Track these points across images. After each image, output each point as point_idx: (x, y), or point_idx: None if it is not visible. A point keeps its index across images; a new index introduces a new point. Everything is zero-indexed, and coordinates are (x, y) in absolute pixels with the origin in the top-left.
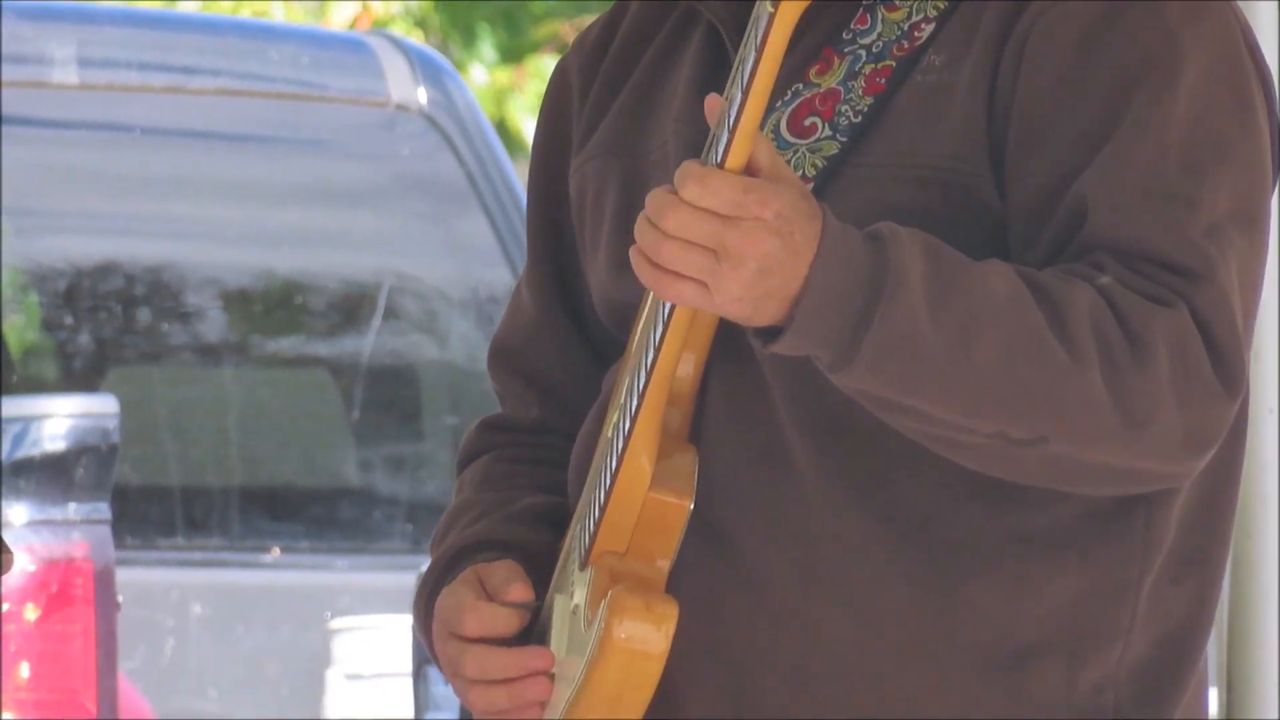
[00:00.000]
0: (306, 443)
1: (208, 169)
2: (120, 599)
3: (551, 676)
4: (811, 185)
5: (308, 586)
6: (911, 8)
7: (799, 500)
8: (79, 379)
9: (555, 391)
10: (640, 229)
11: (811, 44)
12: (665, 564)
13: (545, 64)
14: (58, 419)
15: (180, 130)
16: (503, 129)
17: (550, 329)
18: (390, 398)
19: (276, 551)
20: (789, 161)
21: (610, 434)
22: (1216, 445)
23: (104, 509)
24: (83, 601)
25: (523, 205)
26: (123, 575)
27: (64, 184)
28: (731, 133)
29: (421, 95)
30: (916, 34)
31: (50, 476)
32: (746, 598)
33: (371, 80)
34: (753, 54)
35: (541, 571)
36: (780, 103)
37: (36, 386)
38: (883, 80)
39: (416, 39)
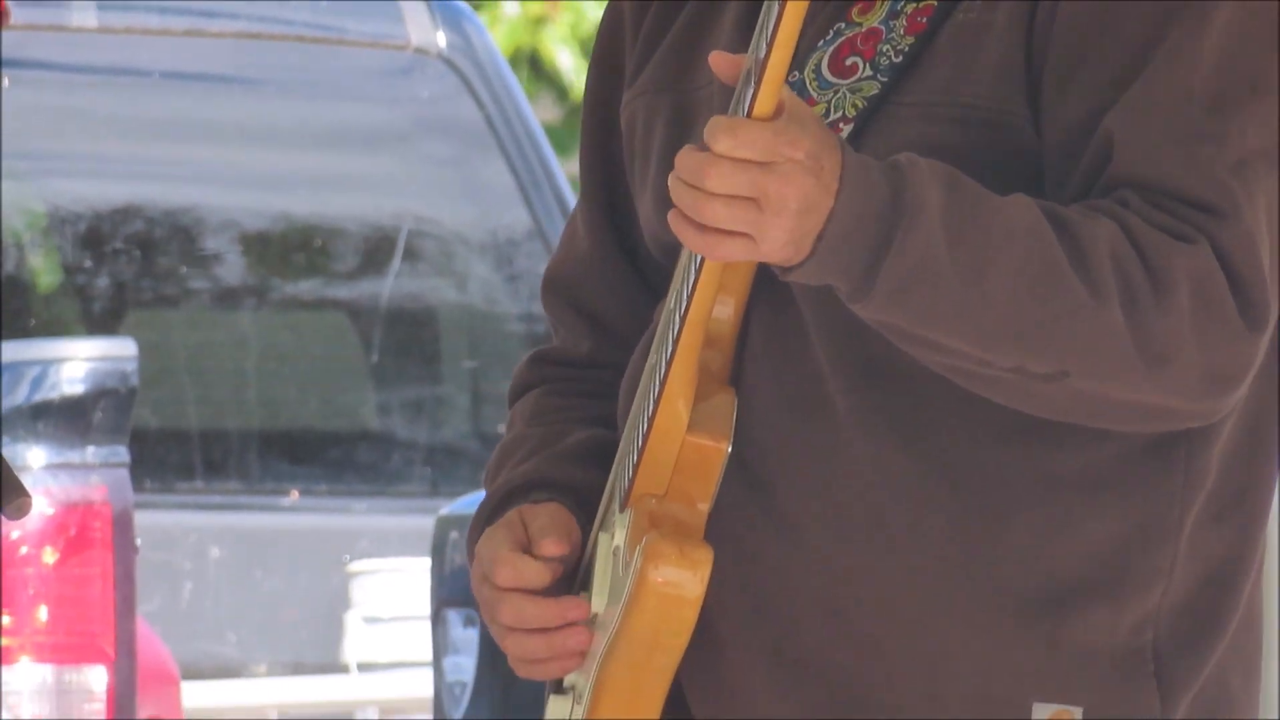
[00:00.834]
0: (325, 386)
1: (226, 113)
2: (138, 542)
3: (593, 621)
4: (852, 125)
5: (326, 530)
6: None
7: (836, 443)
8: (98, 322)
9: (607, 324)
10: (677, 192)
11: None
12: (705, 506)
13: None
14: (76, 362)
15: (199, 74)
16: (536, 60)
17: (602, 262)
18: (409, 341)
19: (295, 495)
20: (829, 102)
21: (647, 377)
22: (1242, 382)
23: (122, 452)
24: (101, 545)
25: (541, 148)
26: (141, 518)
27: (82, 128)
28: (758, 83)
29: (440, 39)
30: None
31: (69, 420)
32: (784, 541)
33: (390, 24)
34: (777, 4)
35: (589, 510)
36: (822, 42)
37: (55, 330)
38: (924, 19)
39: None
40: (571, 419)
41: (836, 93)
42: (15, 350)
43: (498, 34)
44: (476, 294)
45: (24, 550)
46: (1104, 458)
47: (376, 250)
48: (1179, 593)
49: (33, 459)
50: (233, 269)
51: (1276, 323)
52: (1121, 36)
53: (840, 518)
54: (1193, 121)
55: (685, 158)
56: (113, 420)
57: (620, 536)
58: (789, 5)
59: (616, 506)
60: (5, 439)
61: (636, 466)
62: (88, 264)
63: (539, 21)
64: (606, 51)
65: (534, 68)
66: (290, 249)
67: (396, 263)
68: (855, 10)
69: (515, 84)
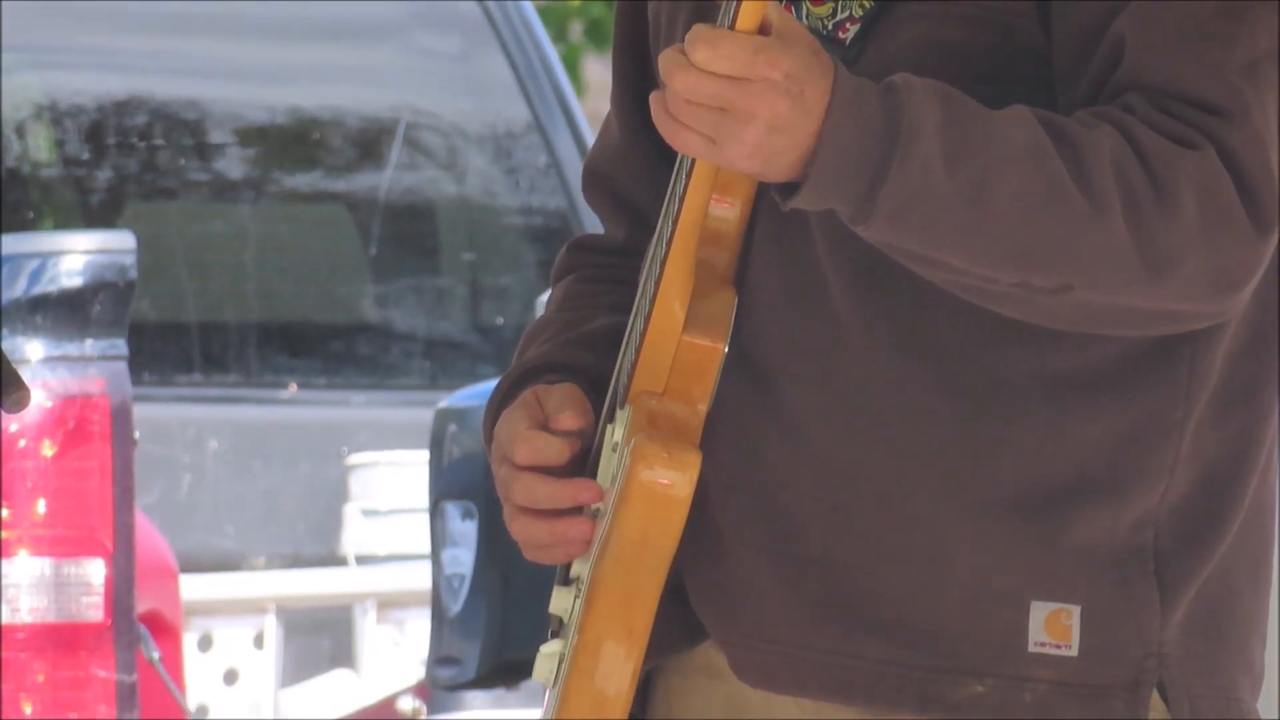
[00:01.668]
0: (323, 279)
1: (226, 6)
2: (137, 435)
3: (595, 513)
4: (859, 26)
5: (324, 422)
6: None
7: (837, 342)
8: (96, 215)
9: (641, 212)
10: (662, 81)
11: None
12: (703, 406)
13: None
14: (75, 255)
15: None
16: None
17: (635, 152)
18: (407, 234)
19: (293, 387)
20: (837, 3)
21: (646, 275)
22: (1250, 284)
23: (121, 345)
24: (99, 438)
25: (541, 42)
26: (139, 411)
27: (82, 19)
28: None
29: None
30: None
31: (67, 313)
32: (785, 438)
33: None
34: None
35: (603, 395)
36: None
37: (54, 223)
38: None
39: None
40: (597, 305)
41: None
42: (14, 243)
43: None
44: (475, 186)
45: (22, 443)
46: (1107, 358)
47: (375, 143)
48: (1180, 492)
49: (31, 352)
50: (232, 162)
51: None
52: None
53: (841, 416)
54: (1203, 23)
55: (664, 57)
56: (111, 313)
57: (619, 433)
58: None
59: (619, 399)
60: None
61: (635, 364)
62: (87, 157)
63: None
64: None
65: None
66: (289, 142)
67: (395, 156)
68: None
69: None
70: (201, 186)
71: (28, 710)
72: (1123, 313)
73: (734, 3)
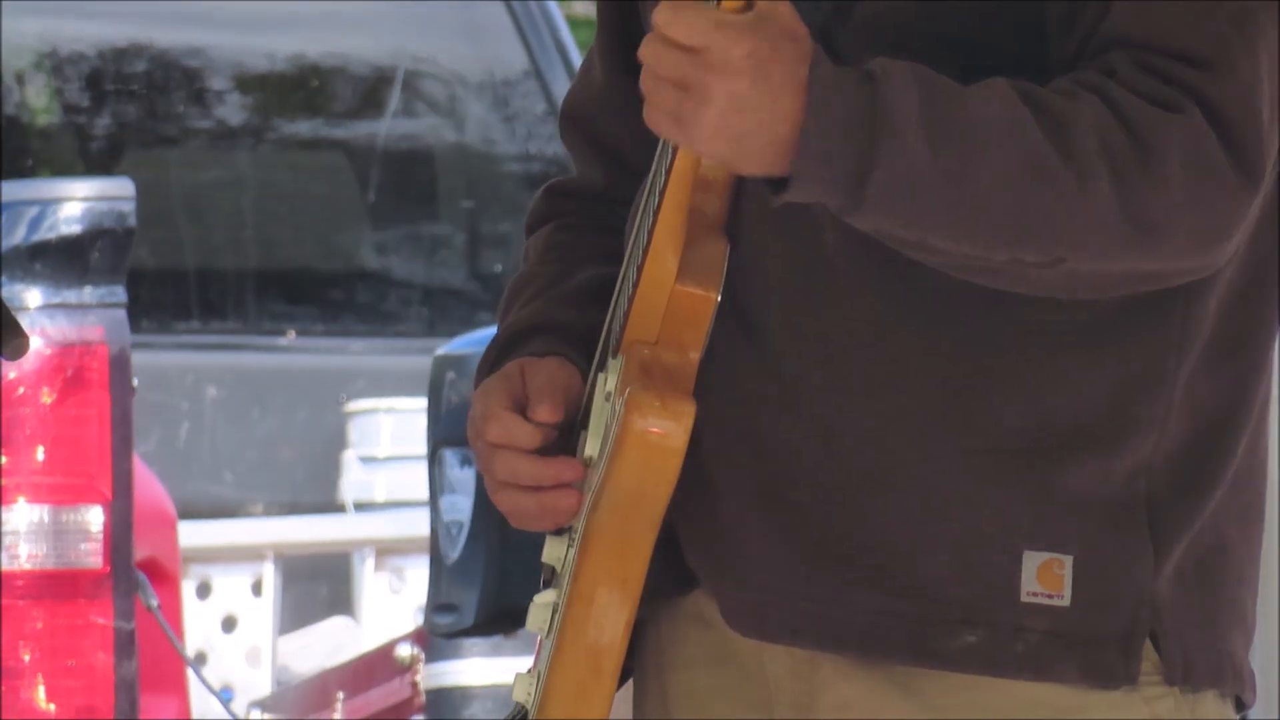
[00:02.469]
0: (322, 226)
1: None
2: (135, 382)
3: (588, 463)
4: None
5: (323, 369)
6: None
7: (830, 291)
8: (96, 162)
9: (623, 156)
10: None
11: None
12: (696, 355)
13: None
14: (74, 202)
15: None
16: None
17: (617, 92)
18: (406, 181)
19: (292, 334)
20: None
21: (638, 224)
22: (1239, 233)
23: (120, 292)
24: (98, 385)
25: None
26: (138, 359)
27: None
28: None
29: None
30: None
31: (66, 260)
32: (778, 387)
33: None
34: None
35: (593, 350)
36: None
37: (53, 169)
38: None
39: None
40: (581, 256)
41: None
42: (13, 190)
43: None
44: (474, 133)
45: (20, 391)
46: (1097, 308)
47: (374, 90)
48: (1173, 442)
49: (30, 299)
50: (231, 109)
51: (1278, 168)
52: None
53: (833, 365)
54: None
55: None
56: (110, 260)
57: (612, 382)
58: None
59: (612, 348)
60: (2, 279)
61: (627, 313)
62: (86, 104)
63: None
64: None
65: None
66: (288, 89)
67: (394, 102)
68: None
69: None
70: (201, 134)
71: (26, 658)
72: (1117, 277)
73: None
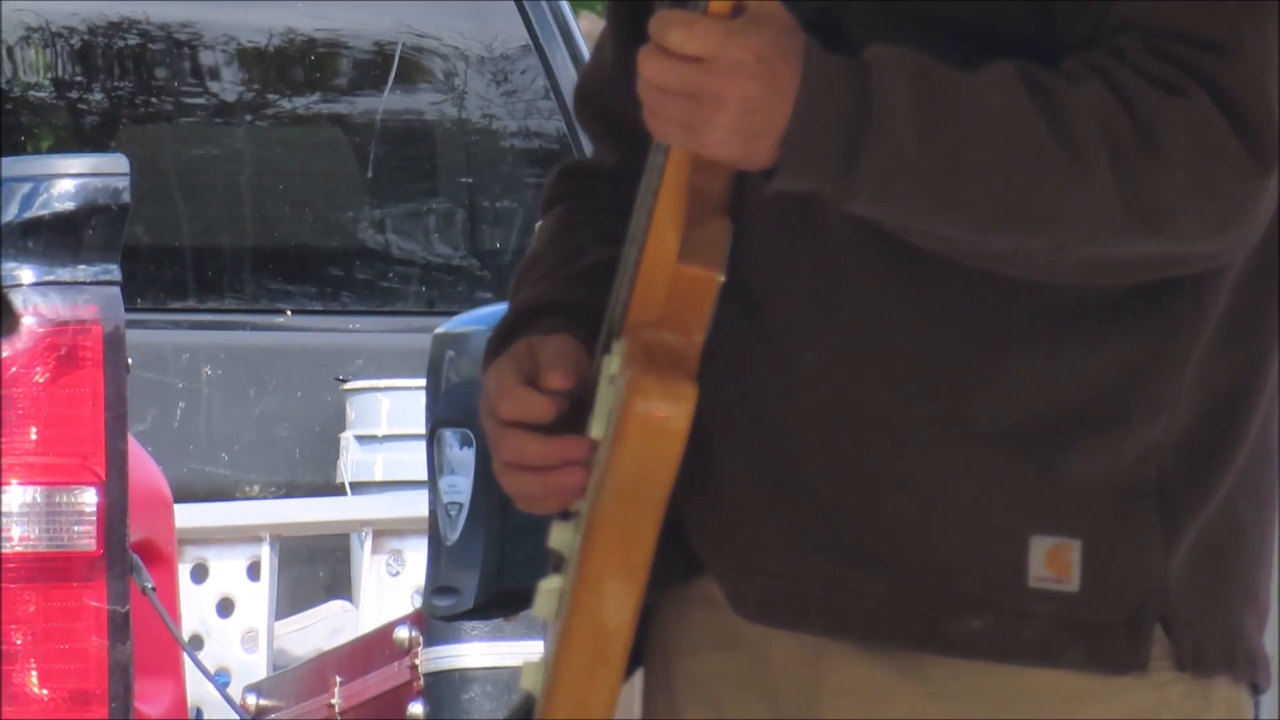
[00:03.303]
0: (320, 202)
1: None
2: (130, 361)
3: (594, 446)
4: None
5: (321, 348)
6: None
7: (833, 272)
8: (90, 138)
9: (635, 137)
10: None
11: None
12: (699, 336)
13: None
14: (68, 178)
15: None
16: None
17: (626, 74)
18: (405, 157)
19: (289, 313)
20: None
21: (640, 204)
22: (1257, 219)
23: (114, 270)
24: (92, 364)
25: None
26: (133, 337)
27: None
28: None
29: None
30: None
31: (59, 237)
32: (781, 368)
33: None
34: None
35: (599, 331)
36: None
37: (47, 145)
38: None
39: None
40: (590, 236)
41: None
42: (6, 166)
43: None
44: (473, 109)
45: (13, 370)
46: (1106, 289)
47: (372, 65)
48: (1183, 424)
49: (23, 276)
50: (227, 84)
51: None
52: None
53: (836, 347)
54: None
55: (641, 52)
56: (104, 237)
57: (616, 364)
58: None
59: (616, 329)
60: None
61: (630, 295)
62: (80, 79)
63: None
64: None
65: None
66: (285, 64)
67: (392, 78)
68: None
69: None
70: (197, 109)
71: (19, 641)
72: (1128, 262)
73: None
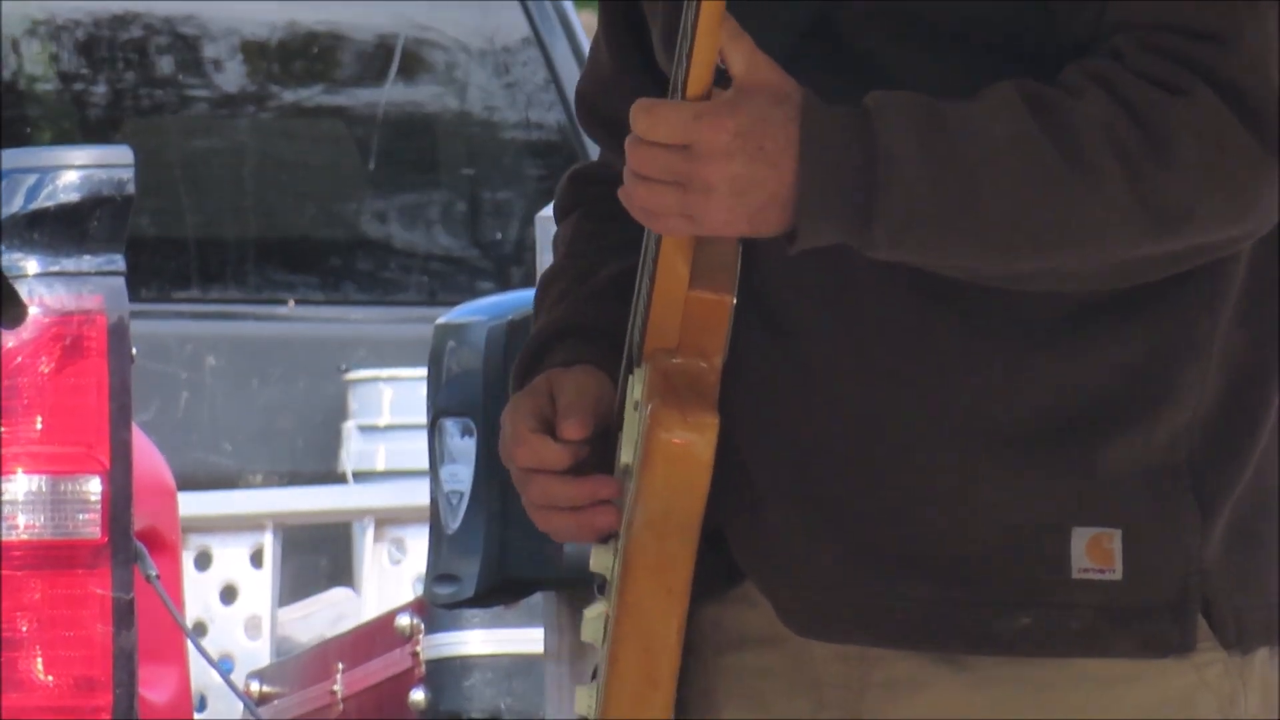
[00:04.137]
0: (322, 194)
1: None
2: (134, 351)
3: (624, 472)
4: None
5: (323, 338)
6: None
7: (854, 284)
8: (94, 130)
9: None
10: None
11: None
12: (718, 359)
13: None
14: (72, 170)
15: None
16: None
17: (627, 77)
18: (406, 148)
19: (292, 303)
20: None
21: (647, 232)
22: (1275, 200)
23: (118, 261)
24: (96, 354)
25: None
26: (137, 327)
27: None
28: (687, 59)
29: None
30: None
31: (64, 228)
32: (807, 386)
33: None
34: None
35: (620, 347)
36: None
37: (52, 137)
38: None
39: None
40: (605, 246)
41: None
42: (11, 158)
43: None
44: (474, 101)
45: (18, 360)
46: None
47: (374, 57)
48: (1210, 404)
49: (28, 267)
50: (231, 76)
51: None
52: None
53: (861, 359)
54: None
55: (626, 145)
56: (109, 228)
57: (639, 391)
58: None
59: (636, 357)
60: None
61: (645, 323)
62: (84, 71)
63: None
64: None
65: None
66: (288, 56)
67: (394, 70)
68: None
69: None
70: (200, 101)
71: (24, 628)
72: (1155, 261)
73: (682, 67)
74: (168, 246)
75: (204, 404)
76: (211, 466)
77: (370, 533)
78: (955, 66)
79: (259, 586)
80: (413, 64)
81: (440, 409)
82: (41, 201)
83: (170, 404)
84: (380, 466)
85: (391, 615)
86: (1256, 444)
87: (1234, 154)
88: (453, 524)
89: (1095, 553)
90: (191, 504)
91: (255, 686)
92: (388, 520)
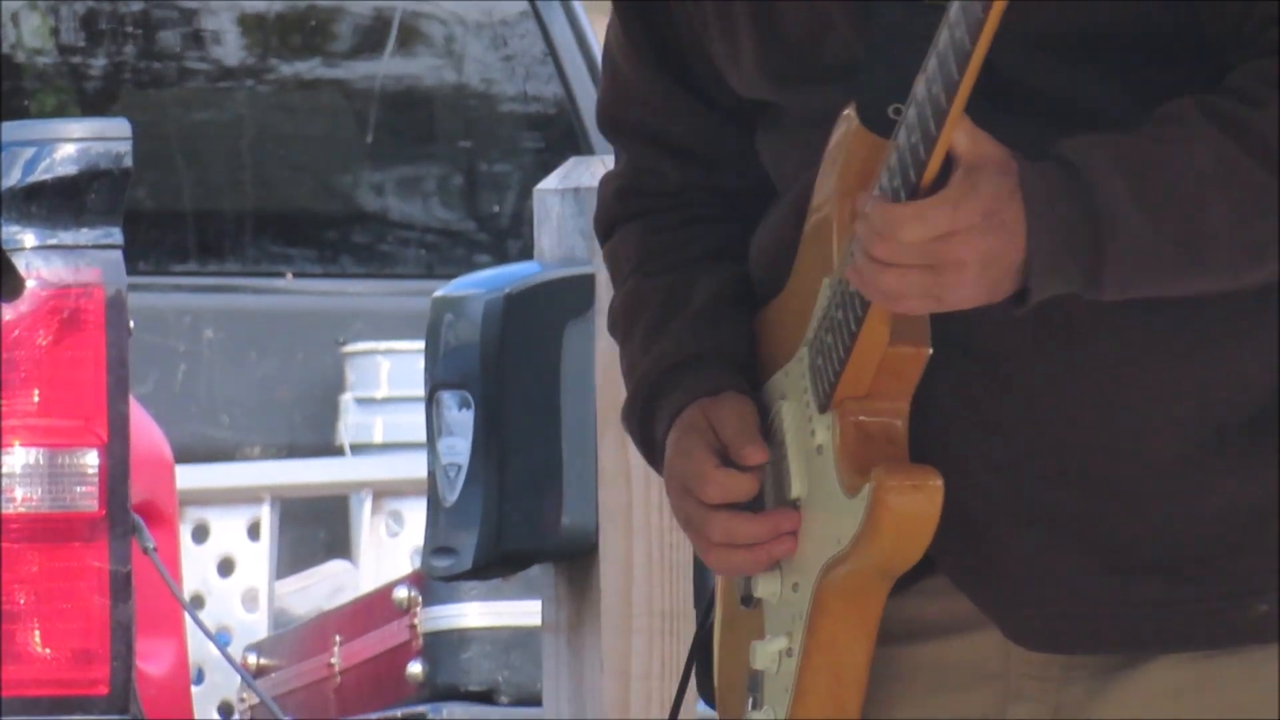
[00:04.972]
0: (320, 167)
1: None
2: (132, 324)
3: (795, 504)
4: None
5: (321, 311)
6: None
7: (1056, 304)
8: (92, 102)
9: (684, 148)
10: (856, 254)
11: None
12: (905, 404)
13: None
14: (69, 143)
15: None
16: None
17: (654, 90)
18: (404, 121)
19: (290, 276)
20: None
21: (839, 286)
22: None
23: (116, 234)
24: (94, 327)
25: None
26: (134, 300)
27: None
28: (930, 146)
29: None
30: None
31: (62, 201)
32: (1018, 409)
33: None
34: (954, 65)
35: (744, 370)
36: None
37: (50, 110)
38: None
39: None
40: (688, 259)
41: None
42: (9, 131)
43: None
44: (472, 74)
45: (16, 333)
46: None
47: (372, 30)
48: None
49: (25, 240)
50: (229, 49)
51: None
52: None
53: (1070, 375)
54: None
55: (863, 232)
56: (106, 201)
57: (825, 438)
58: (969, 68)
59: (809, 399)
60: None
61: (839, 375)
62: (83, 44)
63: None
64: None
65: None
66: (286, 29)
67: (392, 43)
68: None
69: None
70: (198, 74)
71: (22, 601)
72: None
73: (922, 151)
74: (165, 219)
75: (201, 377)
76: (209, 439)
77: (368, 505)
78: (1102, 73)
79: (256, 559)
80: (410, 37)
81: (438, 382)
82: (39, 174)
83: (168, 377)
84: (378, 439)
85: (389, 588)
86: None
87: None
88: (450, 496)
89: None
90: (189, 477)
91: (252, 659)
92: (385, 493)
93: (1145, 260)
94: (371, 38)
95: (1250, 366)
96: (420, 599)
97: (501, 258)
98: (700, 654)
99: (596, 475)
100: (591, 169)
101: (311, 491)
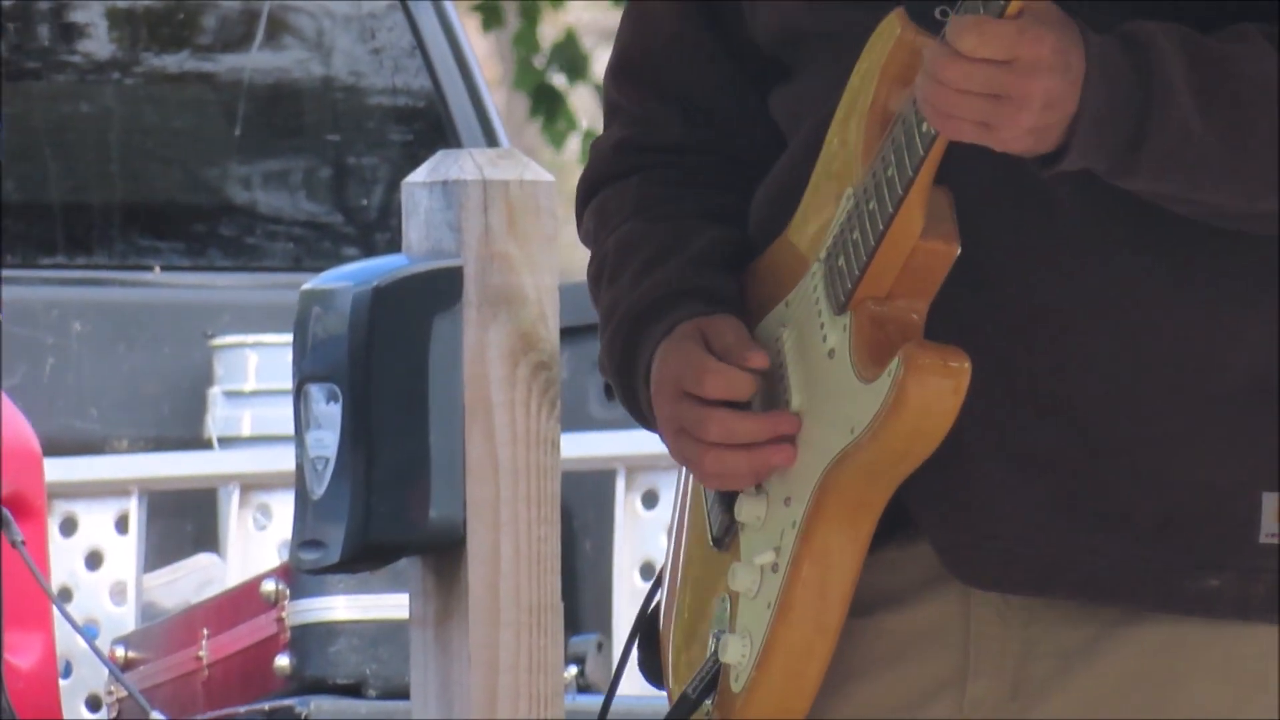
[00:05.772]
0: (188, 160)
1: None
2: (1, 317)
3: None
4: None
5: (189, 304)
6: None
7: (1060, 238)
8: None
9: (699, 108)
10: (921, 77)
11: None
12: (924, 305)
13: None
14: None
15: None
16: None
17: (691, 46)
18: (272, 114)
19: (158, 269)
20: None
21: (869, 180)
22: None
23: None
24: None
25: None
26: (3, 293)
27: None
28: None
29: None
30: None
31: None
32: (1009, 339)
33: None
34: None
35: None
36: None
37: None
38: None
39: None
40: (687, 212)
41: None
42: None
43: None
44: (341, 67)
45: None
46: None
47: (240, 24)
48: None
49: None
50: (97, 42)
51: None
52: None
53: (1065, 313)
54: None
55: (929, 53)
56: None
57: (837, 339)
58: None
59: (821, 307)
60: None
61: (864, 269)
62: None
63: None
64: None
65: None
66: (155, 22)
67: (260, 36)
68: None
69: None
70: (66, 67)
71: None
72: None
73: None
74: (33, 212)
75: (70, 370)
76: (77, 432)
77: (236, 498)
78: (1133, 10)
79: (124, 552)
80: (278, 30)
81: (305, 375)
82: None
83: (36, 369)
84: (246, 432)
85: (257, 581)
86: None
87: None
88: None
89: None
90: (57, 469)
91: (121, 652)
92: (253, 486)
93: (1187, 145)
94: (240, 31)
95: (1238, 343)
96: (288, 592)
97: (369, 251)
98: (644, 633)
99: (464, 468)
100: (460, 162)
101: (179, 484)
